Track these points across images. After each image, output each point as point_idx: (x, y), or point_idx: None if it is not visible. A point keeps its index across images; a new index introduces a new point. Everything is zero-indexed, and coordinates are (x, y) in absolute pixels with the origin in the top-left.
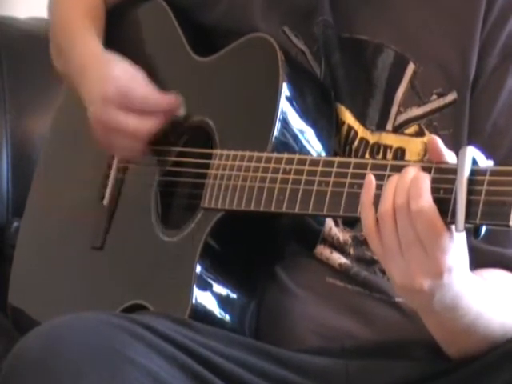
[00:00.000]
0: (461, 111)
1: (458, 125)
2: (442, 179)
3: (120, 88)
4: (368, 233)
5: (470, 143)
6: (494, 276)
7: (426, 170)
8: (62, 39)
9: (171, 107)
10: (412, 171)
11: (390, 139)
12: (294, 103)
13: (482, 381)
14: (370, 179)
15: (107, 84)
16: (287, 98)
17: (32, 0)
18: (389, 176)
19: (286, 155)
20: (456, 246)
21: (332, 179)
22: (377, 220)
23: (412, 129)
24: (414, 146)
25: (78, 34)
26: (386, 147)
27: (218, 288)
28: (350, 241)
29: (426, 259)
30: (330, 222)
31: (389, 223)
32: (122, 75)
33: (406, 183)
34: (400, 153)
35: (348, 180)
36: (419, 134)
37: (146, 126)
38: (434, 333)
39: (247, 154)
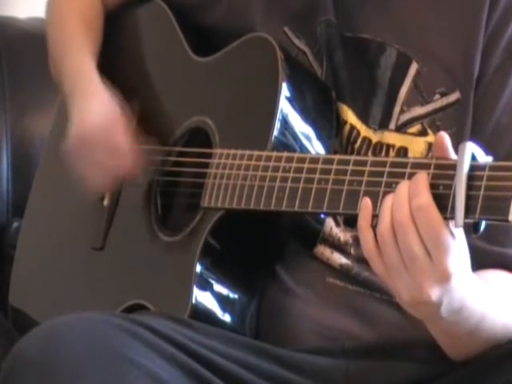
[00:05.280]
0: (464, 110)
1: (460, 124)
2: (442, 175)
3: (89, 136)
4: (369, 255)
5: (472, 141)
6: (495, 278)
7: (426, 166)
8: (56, 50)
9: (133, 168)
10: (405, 185)
11: (393, 138)
12: (293, 103)
13: (482, 382)
14: (367, 202)
15: (84, 123)
16: (287, 98)
17: (32, 0)
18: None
19: (285, 154)
20: (458, 247)
21: (332, 177)
22: (376, 241)
23: (415, 128)
24: (416, 146)
25: (71, 52)
26: (388, 146)
27: (219, 287)
28: (350, 241)
29: (431, 266)
30: (330, 222)
31: (389, 241)
32: (98, 120)
33: (401, 199)
34: (403, 152)
35: (348, 177)
36: (422, 133)
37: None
38: (439, 338)
39: (247, 152)
